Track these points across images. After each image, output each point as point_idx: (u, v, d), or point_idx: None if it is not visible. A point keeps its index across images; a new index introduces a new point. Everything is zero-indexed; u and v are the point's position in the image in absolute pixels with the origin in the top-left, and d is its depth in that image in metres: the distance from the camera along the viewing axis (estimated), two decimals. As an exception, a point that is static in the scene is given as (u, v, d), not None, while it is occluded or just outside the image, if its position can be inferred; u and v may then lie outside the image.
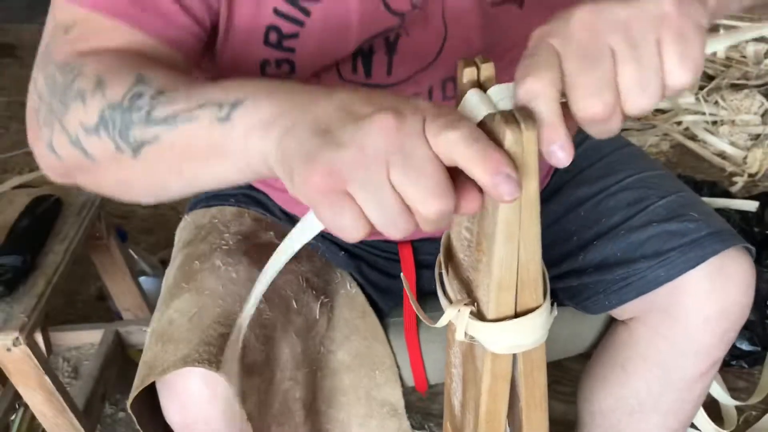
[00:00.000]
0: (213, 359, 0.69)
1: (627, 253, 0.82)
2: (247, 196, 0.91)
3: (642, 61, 0.47)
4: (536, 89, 0.47)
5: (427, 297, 0.86)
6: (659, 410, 0.86)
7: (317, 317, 0.84)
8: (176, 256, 0.86)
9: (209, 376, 0.69)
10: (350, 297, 0.89)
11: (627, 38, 0.47)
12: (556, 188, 0.92)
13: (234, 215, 0.88)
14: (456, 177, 0.45)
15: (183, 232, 0.91)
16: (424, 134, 0.44)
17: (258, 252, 0.82)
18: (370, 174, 0.43)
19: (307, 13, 0.67)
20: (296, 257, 0.86)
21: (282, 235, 0.87)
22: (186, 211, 0.94)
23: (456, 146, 0.43)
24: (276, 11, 0.67)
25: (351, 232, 0.44)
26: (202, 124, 0.51)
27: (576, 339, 0.98)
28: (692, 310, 0.78)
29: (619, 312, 0.86)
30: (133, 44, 0.62)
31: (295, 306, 0.81)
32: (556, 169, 0.92)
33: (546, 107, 0.47)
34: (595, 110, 0.47)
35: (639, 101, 0.47)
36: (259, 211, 0.90)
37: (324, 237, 0.89)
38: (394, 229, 0.44)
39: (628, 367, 0.86)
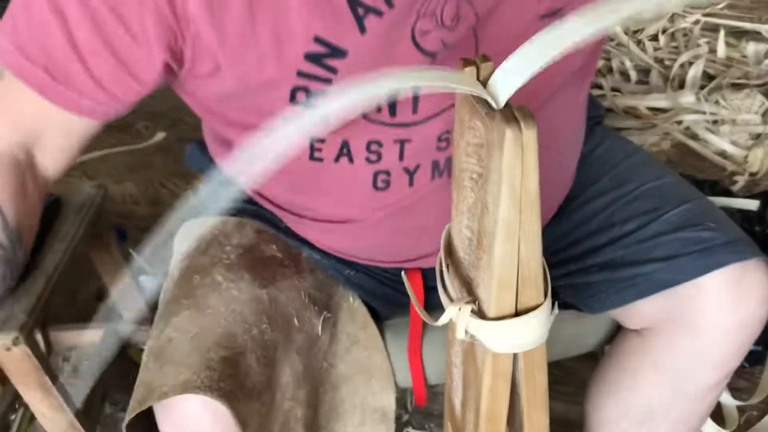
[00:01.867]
0: (215, 386, 0.68)
1: (635, 256, 0.81)
2: (249, 208, 0.89)
3: None
4: None
5: (426, 292, 0.86)
6: (669, 419, 0.84)
7: (320, 333, 0.83)
8: (175, 268, 0.85)
9: (211, 402, 0.68)
10: (352, 310, 0.88)
11: None
12: (565, 204, 0.90)
13: (235, 226, 0.87)
14: None
15: (182, 243, 0.89)
16: None
17: (259, 267, 0.81)
18: None
19: (334, 71, 0.67)
20: (298, 272, 0.85)
21: (284, 249, 0.85)
22: (184, 219, 0.92)
23: None
24: (300, 73, 0.67)
25: None
26: None
27: (579, 339, 0.98)
28: (711, 322, 0.77)
29: (630, 319, 0.84)
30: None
31: (297, 324, 0.80)
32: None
33: None
34: None
35: None
36: (260, 223, 0.88)
37: (330, 256, 0.88)
38: None
39: (639, 375, 0.84)
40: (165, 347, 0.73)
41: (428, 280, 0.88)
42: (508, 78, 0.49)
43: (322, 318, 0.83)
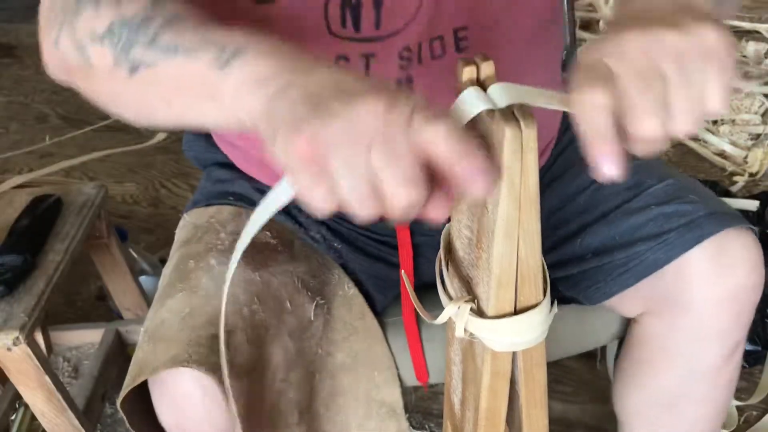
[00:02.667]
0: (203, 360, 0.69)
1: (625, 236, 0.81)
2: (246, 196, 0.91)
3: (691, 88, 0.49)
4: (600, 101, 0.48)
5: (426, 290, 0.86)
6: (693, 399, 0.85)
7: (312, 318, 0.83)
8: (173, 256, 0.87)
9: (201, 377, 0.69)
10: (348, 298, 0.89)
11: (679, 65, 0.49)
12: (553, 178, 0.91)
13: (232, 214, 0.88)
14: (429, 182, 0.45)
15: (181, 231, 0.91)
16: (411, 124, 0.44)
17: (254, 251, 0.81)
18: (352, 150, 0.44)
19: None
20: (292, 258, 0.86)
21: (278, 235, 0.86)
22: (185, 211, 0.94)
23: (440, 139, 0.44)
24: None
25: (321, 203, 0.45)
26: (200, 63, 0.52)
27: (579, 338, 0.98)
28: (699, 296, 0.77)
29: (625, 306, 0.85)
30: None
31: (289, 307, 0.81)
32: (553, 162, 0.92)
33: (606, 120, 0.48)
34: (653, 130, 0.49)
35: (685, 125, 0.50)
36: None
37: (323, 223, 0.89)
38: (361, 209, 0.45)
39: (653, 362, 0.85)
40: (158, 328, 0.75)
41: (415, 235, 0.88)
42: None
43: (314, 303, 0.84)
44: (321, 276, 0.88)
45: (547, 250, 0.86)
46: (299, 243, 0.89)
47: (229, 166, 0.93)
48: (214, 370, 0.69)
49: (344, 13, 0.72)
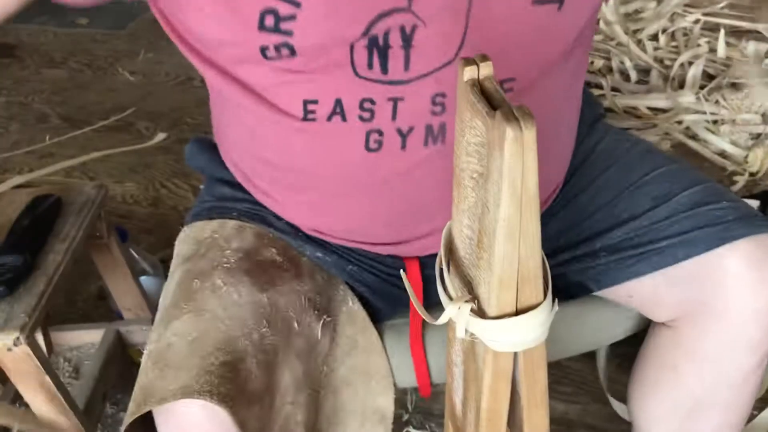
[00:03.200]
0: (214, 390, 0.68)
1: (648, 235, 0.80)
2: (249, 211, 0.89)
3: None
4: None
5: (433, 308, 0.86)
6: (717, 407, 0.84)
7: (319, 337, 0.82)
8: (175, 271, 0.84)
9: (209, 405, 0.68)
10: (352, 313, 0.88)
11: None
12: (571, 196, 0.90)
13: (235, 230, 0.86)
14: None
15: (182, 245, 0.88)
16: None
17: (259, 271, 0.80)
18: None
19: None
20: (298, 275, 0.85)
21: (283, 253, 0.86)
22: (186, 222, 0.92)
23: None
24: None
25: None
26: None
27: (582, 338, 0.98)
28: (737, 305, 0.76)
29: (660, 310, 0.84)
30: None
31: (297, 327, 0.80)
32: (567, 180, 0.91)
33: None
34: None
35: None
36: (261, 227, 0.88)
37: (333, 251, 0.89)
38: None
39: (679, 368, 0.84)
40: (164, 351, 0.73)
41: (426, 268, 0.88)
42: None
43: (321, 322, 0.83)
44: (327, 292, 0.87)
45: (561, 249, 0.86)
46: (305, 260, 0.87)
47: (233, 184, 0.92)
48: (225, 400, 0.68)
49: (371, 55, 0.71)
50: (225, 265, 0.80)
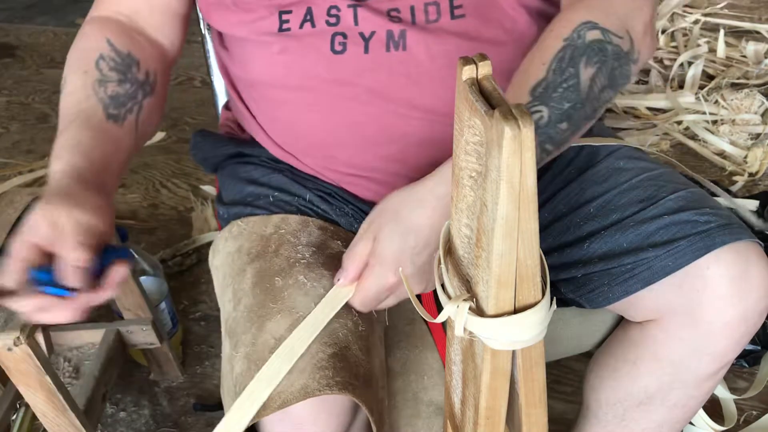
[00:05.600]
0: (332, 382, 0.69)
1: (634, 243, 0.81)
2: (289, 190, 0.91)
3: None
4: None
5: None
6: (666, 404, 0.85)
7: (387, 322, 0.86)
8: (245, 269, 0.85)
9: (327, 398, 0.69)
10: (398, 304, 0.89)
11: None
12: (562, 185, 0.91)
13: (299, 224, 0.88)
14: None
15: (241, 240, 0.88)
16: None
17: (333, 263, 0.82)
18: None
19: None
20: None
21: (347, 244, 0.87)
22: (231, 217, 0.92)
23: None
24: None
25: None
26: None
27: (582, 338, 0.98)
28: (714, 315, 0.77)
29: (639, 312, 0.84)
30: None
31: (375, 314, 0.83)
32: (556, 168, 0.92)
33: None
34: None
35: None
36: (322, 221, 0.89)
37: (343, 201, 0.91)
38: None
39: (640, 364, 0.85)
40: (266, 354, 0.74)
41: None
42: None
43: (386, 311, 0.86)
44: None
45: (551, 251, 0.86)
46: None
47: (244, 155, 0.93)
48: (346, 387, 0.69)
49: None
50: (302, 261, 0.82)
